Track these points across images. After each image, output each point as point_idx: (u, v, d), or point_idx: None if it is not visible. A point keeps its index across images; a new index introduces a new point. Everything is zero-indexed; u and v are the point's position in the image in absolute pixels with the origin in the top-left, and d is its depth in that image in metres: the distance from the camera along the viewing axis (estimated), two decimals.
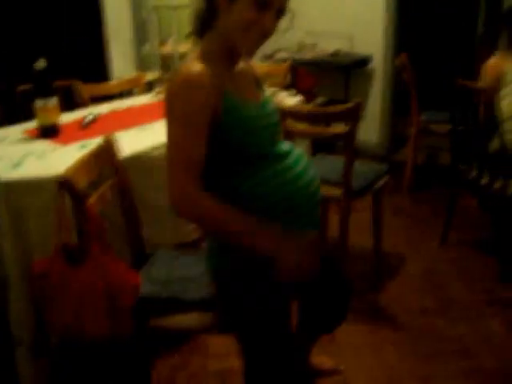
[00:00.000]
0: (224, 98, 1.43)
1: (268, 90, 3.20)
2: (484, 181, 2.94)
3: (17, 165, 2.14)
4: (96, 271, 1.67)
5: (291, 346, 1.68)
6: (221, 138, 1.43)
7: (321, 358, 2.32)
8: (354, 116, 2.46)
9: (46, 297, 1.74)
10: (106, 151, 2.03)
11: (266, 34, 1.46)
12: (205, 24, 1.53)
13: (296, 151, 1.60)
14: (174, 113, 1.41)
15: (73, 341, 1.87)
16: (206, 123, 1.40)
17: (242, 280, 1.56)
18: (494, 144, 2.87)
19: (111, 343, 1.80)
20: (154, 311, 1.82)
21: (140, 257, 2.04)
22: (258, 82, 1.67)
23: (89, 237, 1.71)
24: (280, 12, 1.46)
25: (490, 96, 2.79)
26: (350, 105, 2.45)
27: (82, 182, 1.80)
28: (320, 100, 4.99)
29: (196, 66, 1.40)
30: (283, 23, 1.53)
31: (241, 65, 1.59)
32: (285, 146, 1.59)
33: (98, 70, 4.37)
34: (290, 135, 2.67)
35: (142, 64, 5.03)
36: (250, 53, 1.50)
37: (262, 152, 1.51)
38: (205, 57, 1.45)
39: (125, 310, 1.71)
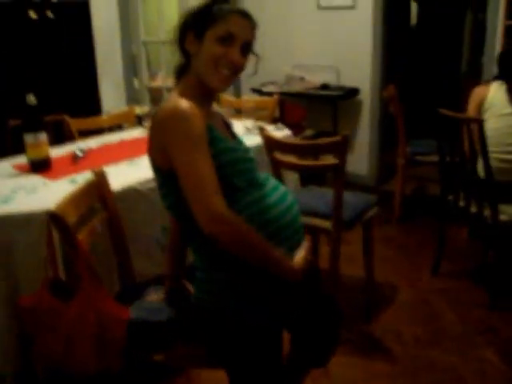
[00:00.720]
0: (209, 130, 1.50)
1: (256, 124, 3.25)
2: (473, 209, 2.96)
3: (6, 199, 2.14)
4: (86, 306, 1.65)
5: (280, 381, 1.66)
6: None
7: None
8: (342, 148, 2.48)
9: (35, 331, 1.73)
10: (96, 185, 2.03)
11: (234, 69, 1.57)
12: (182, 68, 1.65)
13: (272, 181, 1.68)
14: (180, 144, 1.45)
15: (62, 375, 1.85)
16: (207, 148, 1.47)
17: (235, 316, 1.57)
18: (480, 172, 2.90)
19: (102, 377, 1.78)
20: (146, 345, 1.80)
21: (131, 289, 2.02)
22: (229, 126, 1.77)
23: (78, 271, 1.70)
24: (245, 47, 1.59)
25: (474, 124, 2.83)
26: (337, 138, 2.47)
27: (71, 217, 1.79)
28: (308, 132, 5.04)
29: (183, 101, 1.49)
30: (249, 67, 1.68)
31: (213, 109, 1.70)
32: (262, 176, 1.66)
33: (89, 104, 4.40)
34: (278, 167, 2.69)
35: (132, 98, 5.07)
36: (221, 88, 1.60)
37: (243, 181, 1.57)
38: (184, 95, 1.53)
39: (115, 344, 1.69)
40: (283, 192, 1.67)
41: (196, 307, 1.65)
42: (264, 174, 1.70)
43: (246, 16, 1.60)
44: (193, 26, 1.57)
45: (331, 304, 1.92)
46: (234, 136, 1.75)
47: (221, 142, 1.54)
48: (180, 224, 1.68)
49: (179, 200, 1.51)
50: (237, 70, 1.59)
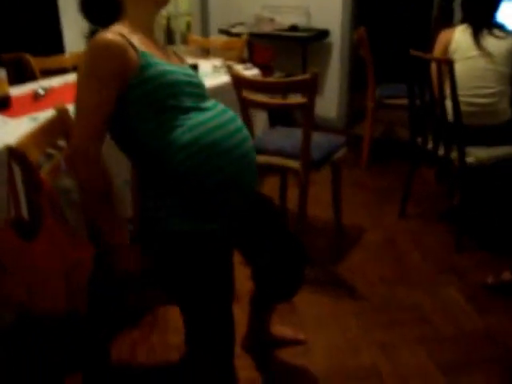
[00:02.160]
0: (141, 58, 1.52)
1: (225, 63, 3.18)
2: (440, 152, 2.98)
3: None
4: (50, 244, 1.62)
5: (231, 317, 1.67)
6: (141, 92, 1.51)
7: (282, 328, 2.32)
8: (311, 86, 2.44)
9: None
10: (59, 122, 1.97)
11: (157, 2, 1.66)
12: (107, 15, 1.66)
13: (220, 106, 1.68)
14: (86, 73, 1.51)
15: (27, 317, 1.82)
16: (113, 87, 1.50)
17: (184, 239, 1.57)
18: (449, 115, 2.90)
19: (68, 319, 1.76)
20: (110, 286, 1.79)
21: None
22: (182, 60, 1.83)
23: (41, 209, 1.66)
24: None
25: (442, 65, 2.81)
26: (307, 75, 2.43)
27: (34, 154, 1.74)
28: (277, 74, 4.97)
29: (105, 36, 1.49)
30: None
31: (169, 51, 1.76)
32: (210, 102, 1.67)
33: (50, 43, 4.22)
34: (246, 106, 2.64)
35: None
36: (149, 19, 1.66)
37: (186, 103, 1.58)
38: (112, 30, 1.53)
39: (81, 284, 1.66)
40: (231, 116, 1.67)
41: (146, 236, 1.63)
42: (213, 100, 1.70)
43: None
44: None
45: (294, 240, 1.93)
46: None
47: (158, 65, 1.55)
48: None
49: (114, 128, 1.58)
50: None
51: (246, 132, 1.69)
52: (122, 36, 1.52)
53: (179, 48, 5.41)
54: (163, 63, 1.58)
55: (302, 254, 1.94)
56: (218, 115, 1.62)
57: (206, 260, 1.58)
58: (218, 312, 1.63)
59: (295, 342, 2.30)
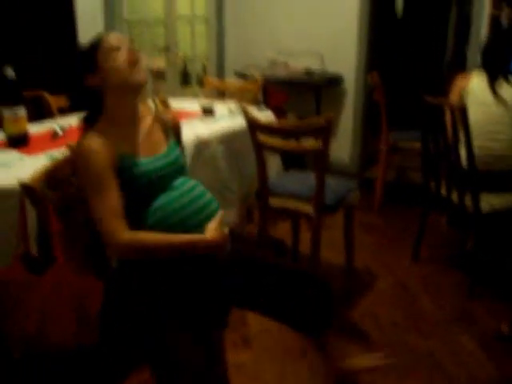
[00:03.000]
0: (119, 161, 1.71)
1: (238, 106, 3.21)
2: (454, 197, 2.97)
3: None
4: (60, 279, 1.63)
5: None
6: (122, 187, 1.71)
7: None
8: (326, 131, 2.46)
9: (6, 307, 1.69)
10: (72, 160, 1.98)
11: (136, 58, 1.78)
12: (90, 116, 1.83)
13: (189, 183, 1.86)
14: (87, 181, 1.69)
15: (36, 353, 1.81)
16: (111, 178, 1.68)
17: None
18: (462, 160, 2.90)
19: (77, 354, 1.75)
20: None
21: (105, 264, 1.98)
22: (166, 130, 1.96)
23: (51, 244, 1.67)
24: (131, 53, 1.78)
25: (456, 112, 2.82)
26: (321, 120, 2.45)
27: (45, 190, 1.76)
28: (291, 117, 5.01)
29: (89, 139, 1.70)
30: None
31: (147, 121, 1.89)
32: (178, 180, 1.84)
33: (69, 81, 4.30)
34: (260, 149, 2.66)
35: None
36: (143, 79, 1.79)
37: (153, 190, 1.77)
38: (92, 133, 1.73)
39: (90, 317, 1.65)
40: (200, 192, 1.86)
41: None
42: (183, 178, 1.87)
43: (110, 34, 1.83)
44: (85, 70, 1.77)
45: (301, 275, 1.92)
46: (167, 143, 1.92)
47: (132, 168, 1.73)
48: None
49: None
50: (138, 58, 1.79)
51: (214, 205, 1.88)
52: (102, 138, 1.70)
53: (195, 90, 5.50)
54: (137, 163, 1.75)
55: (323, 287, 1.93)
56: (185, 193, 1.81)
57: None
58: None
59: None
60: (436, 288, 3.06)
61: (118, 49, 1.76)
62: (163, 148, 1.88)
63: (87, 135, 1.72)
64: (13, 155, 2.37)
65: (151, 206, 1.75)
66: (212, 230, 1.75)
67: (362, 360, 2.25)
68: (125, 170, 1.72)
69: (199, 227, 1.76)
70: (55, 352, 1.69)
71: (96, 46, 1.77)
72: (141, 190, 1.75)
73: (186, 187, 1.83)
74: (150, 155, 1.82)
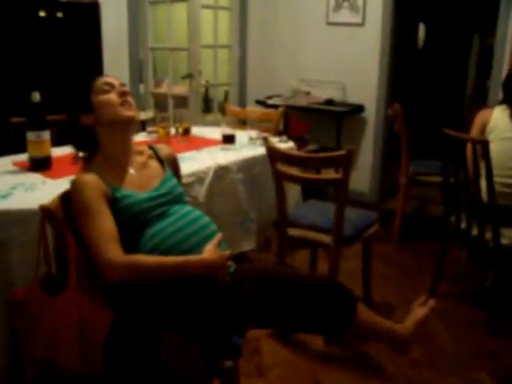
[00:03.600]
0: (112, 192, 1.80)
1: (260, 135, 3.23)
2: (474, 232, 2.94)
3: (5, 196, 2.12)
4: (70, 304, 1.65)
5: None
6: (116, 217, 1.77)
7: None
8: (346, 162, 2.46)
9: (23, 326, 1.71)
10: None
11: (126, 95, 1.90)
12: (89, 149, 1.94)
13: (184, 208, 1.92)
14: (80, 213, 1.74)
15: (50, 375, 1.82)
16: (103, 206, 1.75)
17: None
18: (483, 194, 2.88)
19: (89, 378, 1.75)
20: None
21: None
22: (162, 163, 2.06)
23: (67, 268, 1.69)
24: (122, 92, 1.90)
25: (478, 145, 2.81)
26: (342, 151, 2.46)
27: (65, 214, 1.79)
28: (311, 147, 5.03)
29: (82, 174, 1.82)
30: None
31: (143, 156, 2.00)
32: (175, 207, 1.90)
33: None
34: (280, 179, 2.66)
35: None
36: (133, 115, 1.90)
37: (148, 218, 1.83)
38: (85, 168, 1.87)
39: (95, 345, 1.66)
40: (196, 216, 1.90)
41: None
42: (179, 205, 1.93)
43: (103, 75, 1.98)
44: (80, 111, 1.91)
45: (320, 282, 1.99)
46: (164, 172, 2.02)
47: (125, 199, 1.81)
48: None
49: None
50: (129, 97, 1.92)
51: (212, 227, 1.91)
52: (94, 172, 1.80)
53: (217, 117, 5.53)
54: (130, 194, 1.83)
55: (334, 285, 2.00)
56: (180, 218, 1.86)
57: None
58: None
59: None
60: (455, 323, 3.02)
61: (109, 89, 1.89)
62: (157, 181, 1.96)
63: (81, 171, 1.85)
64: (36, 178, 2.41)
65: (147, 233, 1.80)
66: (209, 252, 1.79)
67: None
68: (117, 201, 1.80)
69: (196, 249, 1.80)
70: (64, 374, 1.70)
71: (90, 87, 1.91)
72: (134, 219, 1.81)
73: (181, 212, 1.89)
74: (143, 188, 1.90)
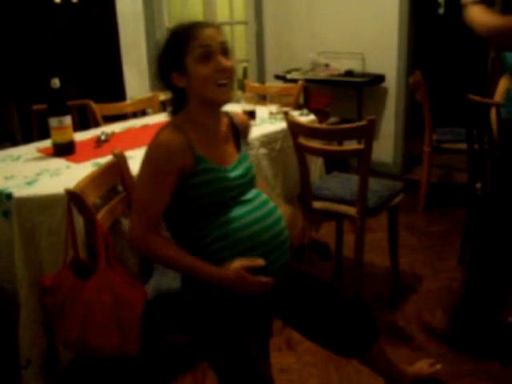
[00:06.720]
0: (196, 162, 1.65)
1: (281, 109, 3.22)
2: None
3: (31, 182, 2.14)
4: (102, 286, 1.66)
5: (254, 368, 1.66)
6: (190, 192, 1.66)
7: (415, 366, 2.29)
8: (368, 133, 2.44)
9: (55, 311, 1.73)
10: (117, 167, 2.03)
11: (228, 74, 1.68)
12: (176, 104, 1.78)
13: (261, 197, 1.78)
14: (145, 170, 1.66)
15: (82, 356, 1.85)
16: (169, 183, 1.63)
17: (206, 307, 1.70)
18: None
19: (121, 361, 1.78)
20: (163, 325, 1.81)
21: (149, 268, 2.02)
22: (238, 136, 1.87)
23: (96, 250, 1.70)
24: (224, 50, 1.70)
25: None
26: (363, 122, 2.44)
27: (91, 197, 1.81)
28: (333, 119, 4.99)
29: (167, 135, 1.64)
30: None
31: (224, 129, 1.81)
32: (251, 193, 1.77)
33: (113, 90, 4.40)
34: (302, 152, 2.65)
35: (156, 84, 5.05)
36: (227, 98, 1.71)
37: (223, 205, 1.69)
38: (176, 127, 1.68)
39: (132, 323, 1.68)
40: (271, 208, 1.77)
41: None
42: (255, 191, 1.79)
43: (204, 25, 1.69)
44: (170, 67, 1.69)
45: (353, 304, 1.91)
46: (239, 148, 1.85)
47: (208, 173, 1.67)
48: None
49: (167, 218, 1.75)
50: (230, 74, 1.69)
51: (282, 223, 1.78)
52: (183, 132, 1.66)
53: (236, 94, 5.51)
54: (213, 168, 1.69)
55: (364, 314, 1.92)
56: (257, 208, 1.73)
57: (231, 323, 1.68)
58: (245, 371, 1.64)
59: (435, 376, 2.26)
60: None
61: (208, 54, 1.65)
62: (235, 158, 1.80)
63: (170, 129, 1.67)
64: (60, 163, 2.43)
65: (221, 216, 1.68)
66: (235, 271, 1.65)
67: (419, 366, 2.25)
68: (196, 174, 1.65)
69: (266, 246, 1.70)
70: (97, 355, 1.72)
71: (185, 46, 1.65)
72: (211, 197, 1.67)
73: (259, 201, 1.76)
74: (224, 164, 1.74)
